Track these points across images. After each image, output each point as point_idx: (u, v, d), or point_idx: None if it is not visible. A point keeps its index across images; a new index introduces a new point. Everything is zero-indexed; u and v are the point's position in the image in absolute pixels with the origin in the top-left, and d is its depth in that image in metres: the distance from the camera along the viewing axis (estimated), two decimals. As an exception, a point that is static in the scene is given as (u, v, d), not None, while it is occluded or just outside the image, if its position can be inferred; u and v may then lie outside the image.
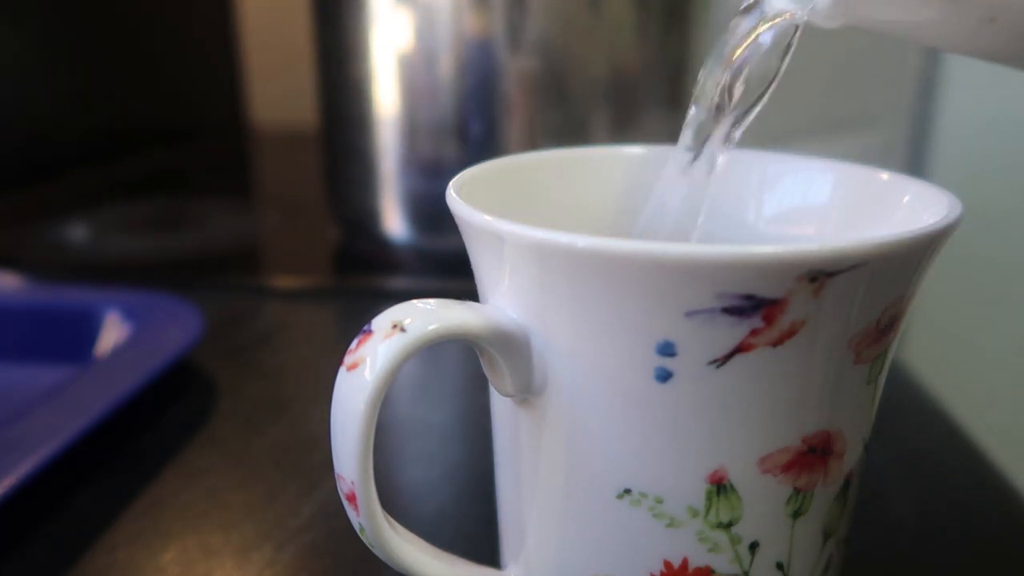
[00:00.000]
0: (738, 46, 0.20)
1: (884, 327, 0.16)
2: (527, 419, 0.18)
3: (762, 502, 0.17)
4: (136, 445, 0.31)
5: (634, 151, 0.24)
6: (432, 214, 0.47)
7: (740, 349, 0.15)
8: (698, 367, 0.16)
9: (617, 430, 0.17)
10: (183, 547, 0.25)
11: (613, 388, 0.16)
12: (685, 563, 0.17)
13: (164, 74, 0.78)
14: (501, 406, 0.19)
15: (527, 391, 0.18)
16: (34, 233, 0.55)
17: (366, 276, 0.48)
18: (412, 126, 0.45)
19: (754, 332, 0.15)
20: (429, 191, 0.46)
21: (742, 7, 0.19)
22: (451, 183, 0.19)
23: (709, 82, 0.20)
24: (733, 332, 0.15)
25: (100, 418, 0.28)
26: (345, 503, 0.17)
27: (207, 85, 0.85)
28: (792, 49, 0.19)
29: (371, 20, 0.44)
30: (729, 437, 0.16)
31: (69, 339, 0.36)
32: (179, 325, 0.35)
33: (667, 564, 0.17)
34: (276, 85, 0.88)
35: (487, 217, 0.17)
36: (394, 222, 0.48)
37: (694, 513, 0.17)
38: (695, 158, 0.21)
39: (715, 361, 0.15)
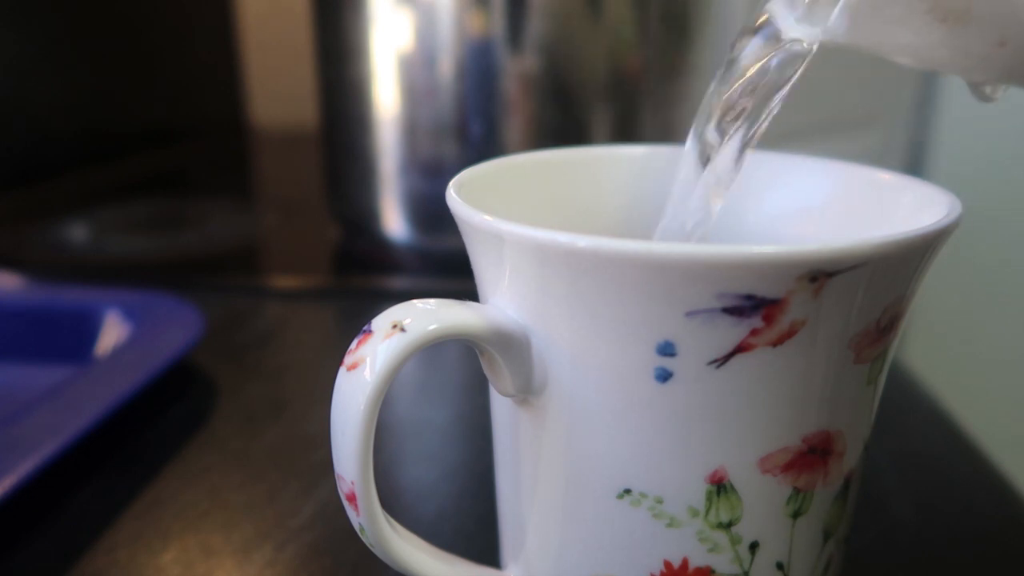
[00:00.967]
0: (748, 66, 0.19)
1: (884, 327, 0.16)
2: (527, 419, 0.18)
3: (762, 502, 0.17)
4: (136, 445, 0.31)
5: (634, 151, 0.24)
6: (432, 214, 0.47)
7: (740, 349, 0.15)
8: (698, 367, 0.16)
9: (617, 430, 0.17)
10: (183, 547, 0.25)
11: (613, 388, 0.16)
12: (685, 563, 0.17)
13: (164, 74, 0.78)
14: (501, 406, 0.19)
15: (527, 391, 0.18)
16: (34, 233, 0.55)
17: (366, 276, 0.48)
18: (412, 126, 0.45)
19: (754, 332, 0.15)
20: (429, 191, 0.46)
21: (754, 25, 0.19)
22: (451, 183, 0.19)
23: (715, 98, 0.20)
24: (733, 332, 0.15)
25: (100, 418, 0.28)
26: (345, 503, 0.17)
27: (207, 85, 0.85)
28: (802, 70, 0.19)
29: (371, 20, 0.44)
30: (729, 437, 0.16)
31: (69, 339, 0.36)
32: (179, 325, 0.35)
33: (667, 564, 0.17)
34: (276, 85, 0.88)
35: (487, 217, 0.17)
36: (394, 222, 0.48)
37: (694, 513, 0.17)
38: (705, 164, 0.21)
39: (715, 361, 0.15)
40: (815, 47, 0.18)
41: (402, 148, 0.46)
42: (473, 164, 0.21)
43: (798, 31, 0.18)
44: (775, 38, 0.19)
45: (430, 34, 0.43)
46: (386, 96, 0.45)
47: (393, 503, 0.27)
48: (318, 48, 0.50)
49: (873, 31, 0.16)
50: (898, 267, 0.16)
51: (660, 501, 0.17)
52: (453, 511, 0.27)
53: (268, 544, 0.25)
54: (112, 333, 0.36)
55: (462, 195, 0.18)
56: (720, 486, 0.17)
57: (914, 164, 0.93)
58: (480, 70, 0.43)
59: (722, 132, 0.20)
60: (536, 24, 0.42)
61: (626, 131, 0.45)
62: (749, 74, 0.19)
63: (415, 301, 0.17)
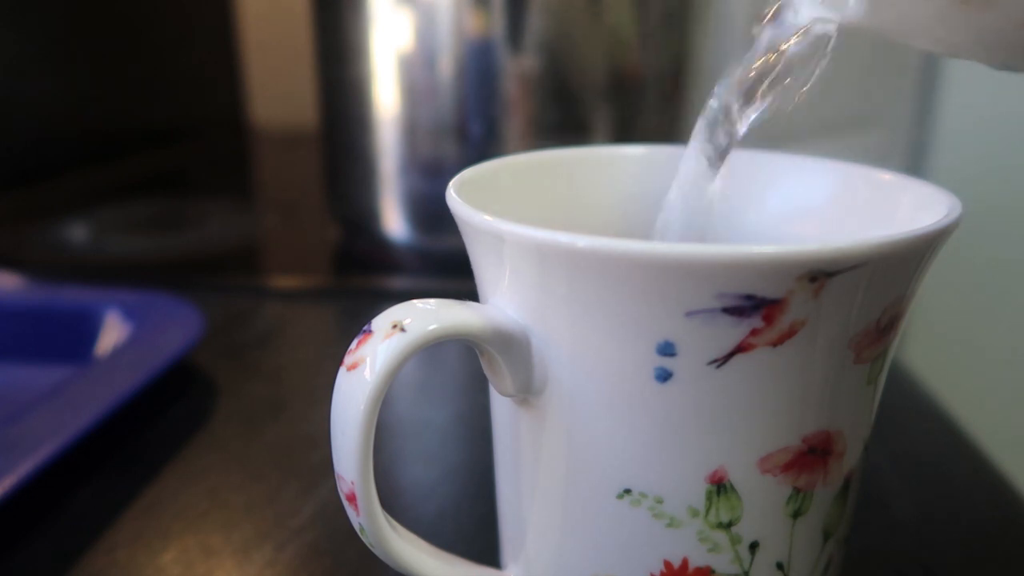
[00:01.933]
0: (761, 56, 0.19)
1: (884, 327, 0.16)
2: (527, 419, 0.18)
3: (762, 502, 0.17)
4: (136, 445, 0.31)
5: (634, 151, 0.24)
6: (432, 214, 0.47)
7: (740, 349, 0.15)
8: (698, 367, 0.16)
9: (617, 430, 0.17)
10: (183, 547, 0.25)
11: (613, 388, 0.16)
12: (685, 563, 0.17)
13: (164, 74, 0.78)
14: (501, 406, 0.19)
15: (527, 391, 0.18)
16: (34, 233, 0.55)
17: (366, 276, 0.48)
18: (412, 126, 0.45)
19: (754, 332, 0.15)
20: (429, 191, 0.46)
21: (765, 16, 0.19)
22: (451, 183, 0.19)
23: (726, 90, 0.20)
24: (733, 332, 0.15)
25: (100, 418, 0.28)
26: (345, 503, 0.17)
27: (207, 85, 0.85)
28: (828, 59, 0.19)
29: (371, 20, 0.44)
30: (729, 437, 0.16)
31: (69, 339, 0.36)
32: (179, 325, 0.35)
33: (667, 564, 0.17)
34: (276, 85, 0.88)
35: (487, 217, 0.17)
36: (394, 222, 0.48)
37: (694, 513, 0.17)
38: (713, 159, 0.20)
39: (715, 361, 0.15)
40: (835, 31, 0.18)
41: (402, 148, 0.46)
42: (473, 164, 0.21)
43: (819, 13, 0.18)
44: (794, 22, 0.19)
45: (430, 34, 0.43)
46: (386, 96, 0.45)
47: (393, 503, 0.27)
48: (318, 48, 0.50)
49: (894, 15, 0.16)
50: (898, 267, 0.16)
51: (660, 501, 0.17)
52: (453, 511, 0.27)
53: (268, 544, 0.25)
54: (112, 333, 0.36)
55: (462, 195, 0.18)
56: (720, 486, 0.17)
57: (914, 164, 0.93)
58: (480, 70, 0.43)
59: (732, 123, 0.20)
60: (536, 24, 0.42)
61: (626, 131, 0.45)
62: (765, 61, 0.19)
63: (415, 301, 0.17)
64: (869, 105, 0.92)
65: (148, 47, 0.76)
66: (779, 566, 0.18)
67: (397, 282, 0.47)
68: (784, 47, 0.19)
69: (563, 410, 0.17)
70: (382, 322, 0.17)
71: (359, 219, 0.50)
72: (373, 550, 0.18)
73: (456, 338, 0.17)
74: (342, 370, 0.17)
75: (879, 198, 0.21)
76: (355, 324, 0.18)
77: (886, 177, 0.21)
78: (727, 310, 0.15)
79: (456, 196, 0.18)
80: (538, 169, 0.23)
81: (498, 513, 0.22)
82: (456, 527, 0.26)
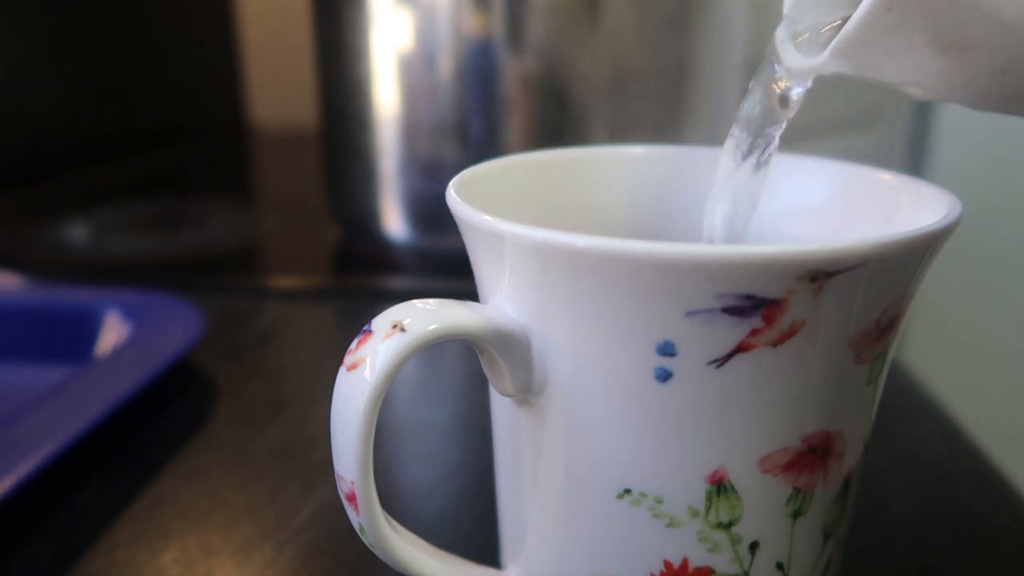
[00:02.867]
0: (754, 95, 0.20)
1: (884, 327, 0.16)
2: (527, 419, 0.18)
3: (762, 502, 0.17)
4: (136, 445, 0.31)
5: (634, 151, 0.24)
6: (432, 214, 0.47)
7: (740, 349, 0.15)
8: (698, 367, 0.16)
9: (617, 430, 0.17)
10: (183, 547, 0.25)
11: (613, 388, 0.16)
12: (685, 563, 0.17)
13: (164, 74, 0.78)
14: (501, 406, 0.19)
15: (527, 391, 0.18)
16: (34, 233, 0.55)
17: (366, 276, 0.48)
18: (412, 126, 0.45)
19: (754, 332, 0.15)
20: (429, 191, 0.46)
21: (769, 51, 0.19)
22: (451, 183, 0.19)
23: (762, 91, 0.20)
24: (733, 332, 0.15)
25: (100, 418, 0.28)
26: (345, 503, 0.17)
27: (207, 85, 0.85)
28: (797, 108, 0.19)
29: (371, 20, 0.44)
30: (729, 437, 0.16)
31: (69, 339, 0.36)
32: (179, 325, 0.35)
33: (667, 564, 0.17)
34: (276, 85, 0.88)
35: (487, 217, 0.17)
36: (394, 222, 0.48)
37: (694, 513, 0.17)
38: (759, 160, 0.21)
39: (715, 361, 0.15)
40: (809, 82, 0.18)
41: (402, 148, 0.46)
42: (473, 164, 0.21)
43: (797, 61, 0.18)
44: (776, 68, 0.19)
45: (430, 34, 0.43)
46: (386, 96, 0.45)
47: (393, 503, 0.27)
48: (318, 48, 0.50)
49: (871, 65, 0.16)
50: (898, 267, 0.16)
51: (660, 501, 0.17)
52: (453, 511, 0.27)
53: (268, 544, 0.25)
54: (112, 333, 0.36)
55: (462, 195, 0.18)
56: (720, 486, 0.17)
57: (914, 164, 0.93)
58: (480, 70, 0.43)
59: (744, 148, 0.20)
60: (536, 24, 0.42)
61: (626, 131, 0.45)
62: (747, 106, 0.20)
63: (415, 301, 0.17)
64: (869, 105, 0.92)
65: (148, 47, 0.76)
66: (779, 566, 0.18)
67: (397, 282, 0.47)
68: (759, 94, 0.19)
69: (563, 410, 0.17)
70: (382, 322, 0.17)
71: (359, 219, 0.50)
72: (373, 550, 0.18)
73: (456, 338, 0.17)
74: (342, 370, 0.17)
75: (879, 198, 0.21)
76: (355, 324, 0.18)
77: (886, 177, 0.21)
78: (727, 310, 0.15)
79: (456, 196, 0.18)
80: (538, 169, 0.23)
81: (498, 513, 0.22)
82: (456, 527, 0.26)
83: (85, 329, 0.37)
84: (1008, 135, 0.85)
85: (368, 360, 0.16)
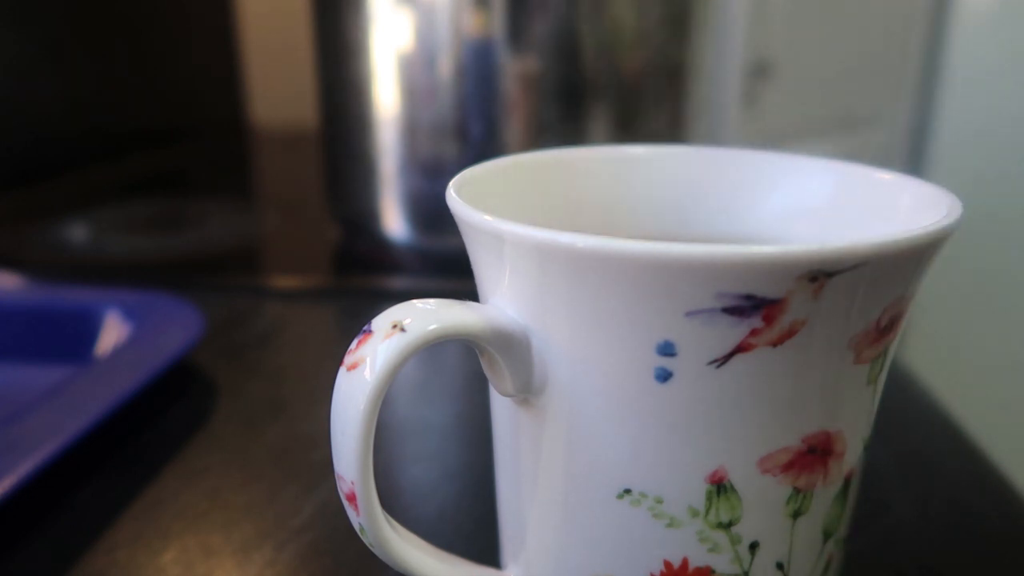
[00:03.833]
0: None
1: (884, 327, 0.16)
2: (527, 419, 0.18)
3: (762, 502, 0.17)
4: (136, 445, 0.31)
5: (634, 151, 0.24)
6: (432, 214, 0.47)
7: (740, 349, 0.15)
8: (698, 367, 0.16)
9: (617, 430, 0.17)
10: (183, 547, 0.25)
11: (613, 388, 0.16)
12: (685, 563, 0.17)
13: (164, 74, 0.78)
14: (501, 406, 0.19)
15: (527, 391, 0.18)
16: (34, 233, 0.55)
17: (366, 276, 0.48)
18: (412, 126, 0.45)
19: (754, 332, 0.15)
20: (429, 191, 0.46)
21: None
22: (451, 183, 0.19)
23: None
24: (733, 332, 0.15)
25: (100, 418, 0.28)
26: (345, 503, 0.17)
27: (207, 85, 0.85)
28: None
29: (371, 20, 0.44)
30: (729, 437, 0.16)
31: (69, 339, 0.36)
32: (179, 325, 0.35)
33: (667, 564, 0.17)
34: (276, 85, 0.88)
35: (487, 217, 0.17)
36: (394, 222, 0.48)
37: (694, 513, 0.17)
38: None
39: (715, 361, 0.15)
40: None
41: (402, 148, 0.46)
42: (473, 164, 0.21)
43: None
44: None
45: (430, 34, 0.43)
46: (386, 96, 0.45)
47: (393, 503, 0.27)
48: (318, 48, 0.50)
49: None
50: (898, 267, 0.16)
51: (660, 501, 0.17)
52: (453, 511, 0.27)
53: (268, 544, 0.25)
54: (112, 333, 0.36)
55: (462, 195, 0.18)
56: (720, 486, 0.17)
57: (914, 164, 0.93)
58: (480, 70, 0.43)
59: None
60: (536, 24, 0.42)
61: (626, 131, 0.45)
62: None
63: (415, 301, 0.17)
64: (869, 105, 0.92)
65: (148, 47, 0.76)
66: (779, 566, 0.18)
67: (397, 282, 0.47)
68: None
69: (563, 410, 0.17)
70: (382, 322, 0.17)
71: (359, 219, 0.50)
72: (373, 550, 0.18)
73: (456, 338, 0.17)
74: (342, 370, 0.17)
75: (879, 198, 0.21)
76: (355, 324, 0.18)
77: (886, 177, 0.21)
78: (727, 310, 0.15)
79: (456, 196, 0.18)
80: (538, 169, 0.23)
81: (498, 513, 0.22)
82: (456, 527, 0.26)
83: (85, 329, 0.37)
84: (1008, 135, 0.85)
85: (368, 360, 0.16)
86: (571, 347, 0.17)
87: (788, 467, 0.17)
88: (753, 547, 0.17)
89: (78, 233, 0.56)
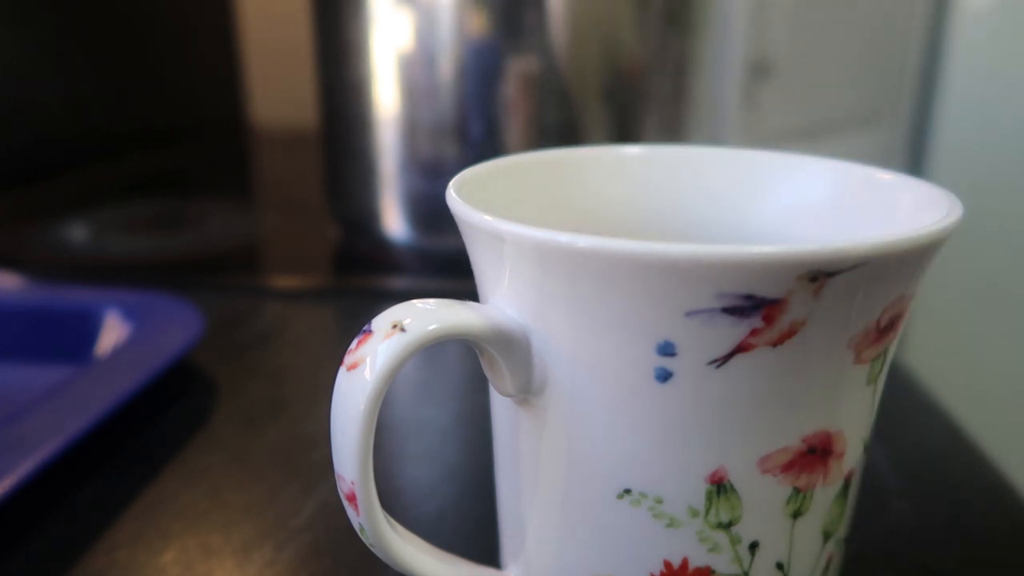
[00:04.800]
0: None
1: (884, 327, 0.16)
2: (527, 419, 0.18)
3: (762, 502, 0.17)
4: (136, 445, 0.31)
5: (634, 151, 0.24)
6: (432, 214, 0.47)
7: (740, 349, 0.15)
8: (698, 367, 0.16)
9: (617, 430, 0.17)
10: (183, 547, 0.25)
11: (613, 388, 0.16)
12: (685, 563, 0.17)
13: (164, 74, 0.78)
14: (501, 406, 0.19)
15: (527, 391, 0.18)
16: (34, 233, 0.55)
17: (366, 276, 0.48)
18: (412, 126, 0.45)
19: (754, 332, 0.15)
20: (429, 191, 0.46)
21: None
22: (451, 183, 0.19)
23: None
24: (733, 332, 0.15)
25: (100, 418, 0.28)
26: (345, 503, 0.17)
27: (207, 85, 0.85)
28: None
29: (371, 20, 0.44)
30: (729, 437, 0.16)
31: (69, 339, 0.36)
32: (179, 325, 0.35)
33: (667, 564, 0.17)
34: (276, 85, 0.88)
35: (487, 217, 0.17)
36: (394, 222, 0.48)
37: (694, 513, 0.17)
38: None
39: (715, 361, 0.15)
40: None
41: (402, 148, 0.46)
42: (473, 164, 0.21)
43: None
44: None
45: (430, 34, 0.43)
46: (386, 96, 0.45)
47: (393, 503, 0.27)
48: (318, 48, 0.50)
49: None
50: (898, 267, 0.16)
51: (660, 501, 0.17)
52: (453, 511, 0.27)
53: (268, 544, 0.25)
54: (112, 333, 0.36)
55: (462, 195, 0.18)
56: (720, 486, 0.17)
57: (914, 164, 0.93)
58: (480, 70, 0.43)
59: None
60: (536, 24, 0.42)
61: (626, 131, 0.45)
62: None
63: (415, 301, 0.17)
64: (869, 105, 0.92)
65: (148, 47, 0.76)
66: (779, 566, 0.18)
67: (397, 282, 0.47)
68: None
69: (563, 410, 0.17)
70: (382, 322, 0.17)
71: (359, 219, 0.50)
72: (373, 550, 0.18)
73: (456, 338, 0.17)
74: (342, 370, 0.17)
75: (879, 198, 0.21)
76: (355, 324, 0.18)
77: (886, 177, 0.21)
78: (727, 310, 0.15)
79: (456, 196, 0.18)
80: (538, 169, 0.23)
81: (498, 513, 0.22)
82: (456, 527, 0.26)
83: (85, 329, 0.37)
84: (1008, 135, 0.85)
85: (368, 360, 0.16)
86: (571, 347, 0.17)
87: (788, 467, 0.17)
88: (753, 547, 0.17)
89: (78, 233, 0.56)
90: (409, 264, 0.49)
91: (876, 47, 0.89)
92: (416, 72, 0.44)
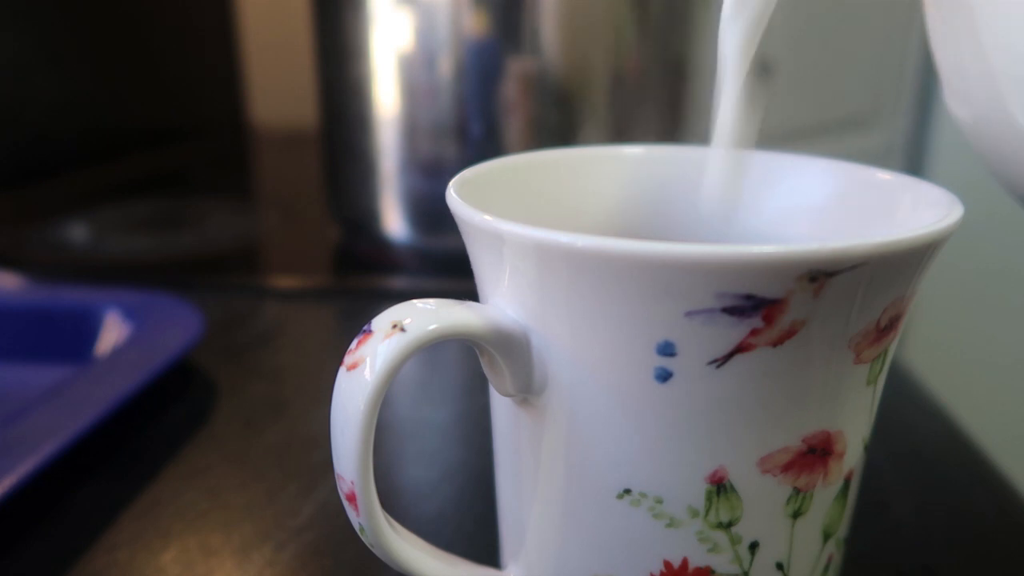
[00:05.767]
0: None
1: (884, 327, 0.16)
2: (527, 419, 0.18)
3: (762, 502, 0.17)
4: (136, 445, 0.31)
5: (634, 151, 0.24)
6: (432, 214, 0.47)
7: (740, 349, 0.15)
8: (698, 367, 0.16)
9: (617, 430, 0.17)
10: (183, 547, 0.25)
11: (613, 388, 0.16)
12: (685, 563, 0.17)
13: (164, 74, 0.78)
14: (501, 406, 0.19)
15: (527, 391, 0.18)
16: (34, 233, 0.55)
17: (366, 276, 0.48)
18: (412, 126, 0.45)
19: (754, 332, 0.15)
20: (429, 191, 0.46)
21: None
22: (451, 183, 0.19)
23: None
24: (733, 332, 0.15)
25: (100, 418, 0.28)
26: (345, 503, 0.17)
27: (207, 85, 0.85)
28: None
29: (371, 20, 0.44)
30: (729, 437, 0.16)
31: (69, 339, 0.36)
32: (179, 325, 0.35)
33: (667, 564, 0.17)
34: (276, 85, 0.88)
35: (487, 217, 0.17)
36: (394, 222, 0.48)
37: (694, 513, 0.17)
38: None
39: (715, 361, 0.15)
40: None
41: (402, 148, 0.46)
42: (473, 164, 0.21)
43: None
44: None
45: (430, 34, 0.43)
46: (386, 96, 0.45)
47: (393, 503, 0.27)
48: (318, 48, 0.50)
49: None
50: (898, 267, 0.16)
51: (660, 501, 0.17)
52: (453, 511, 0.27)
53: (268, 544, 0.25)
54: (112, 333, 0.36)
55: (462, 195, 0.18)
56: (720, 486, 0.17)
57: (914, 164, 0.93)
58: (480, 70, 0.43)
59: None
60: (536, 24, 0.42)
61: (626, 131, 0.45)
62: None
63: (415, 301, 0.17)
64: (869, 105, 0.92)
65: (148, 47, 0.76)
66: (779, 566, 0.18)
67: (397, 282, 0.47)
68: None
69: (563, 410, 0.17)
70: (382, 322, 0.17)
71: (359, 219, 0.50)
72: (373, 550, 0.18)
73: (456, 338, 0.17)
74: (342, 370, 0.17)
75: (879, 198, 0.21)
76: (355, 324, 0.18)
77: (886, 177, 0.21)
78: (727, 310, 0.15)
79: (456, 196, 0.18)
80: (538, 169, 0.23)
81: (498, 513, 0.22)
82: (456, 527, 0.26)
83: (85, 329, 0.37)
84: (1008, 135, 0.85)
85: (368, 360, 0.16)
86: (571, 347, 0.17)
87: (788, 467, 0.17)
88: (753, 547, 0.17)
89: (78, 233, 0.56)
90: (409, 264, 0.49)
91: (876, 47, 0.89)
92: (416, 72, 0.44)
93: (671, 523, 0.17)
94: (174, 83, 0.80)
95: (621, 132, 0.45)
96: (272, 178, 0.79)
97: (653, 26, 0.45)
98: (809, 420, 0.17)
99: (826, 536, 0.18)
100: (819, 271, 0.14)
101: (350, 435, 0.16)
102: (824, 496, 0.18)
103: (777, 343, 0.15)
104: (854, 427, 0.18)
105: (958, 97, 0.17)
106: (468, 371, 0.37)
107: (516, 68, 0.43)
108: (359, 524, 0.18)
